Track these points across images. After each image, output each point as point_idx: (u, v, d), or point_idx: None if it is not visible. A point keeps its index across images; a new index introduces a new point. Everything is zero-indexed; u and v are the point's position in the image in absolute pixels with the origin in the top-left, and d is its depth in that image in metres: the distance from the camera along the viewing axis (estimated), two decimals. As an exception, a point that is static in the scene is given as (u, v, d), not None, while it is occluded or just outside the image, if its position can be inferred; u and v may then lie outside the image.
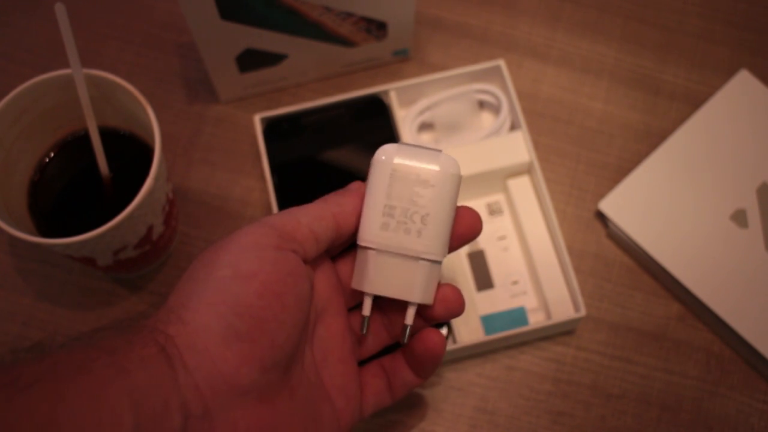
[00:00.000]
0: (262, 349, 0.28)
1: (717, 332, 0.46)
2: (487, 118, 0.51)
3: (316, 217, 0.31)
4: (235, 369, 0.27)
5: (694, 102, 0.52)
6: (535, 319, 0.46)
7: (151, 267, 0.46)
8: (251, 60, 0.48)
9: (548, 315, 0.45)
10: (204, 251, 0.30)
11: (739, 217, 0.47)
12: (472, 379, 0.45)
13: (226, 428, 0.28)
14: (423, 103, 0.49)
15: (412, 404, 0.44)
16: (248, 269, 0.28)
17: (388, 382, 0.35)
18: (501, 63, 0.49)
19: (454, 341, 0.43)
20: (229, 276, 0.28)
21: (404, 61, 0.53)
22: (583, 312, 0.43)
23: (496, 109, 0.50)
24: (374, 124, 0.48)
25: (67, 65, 0.39)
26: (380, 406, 0.35)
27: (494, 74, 0.50)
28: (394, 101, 0.48)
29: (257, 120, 0.47)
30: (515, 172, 0.48)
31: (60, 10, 0.38)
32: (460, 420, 0.44)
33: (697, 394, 0.45)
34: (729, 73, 0.52)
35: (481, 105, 0.51)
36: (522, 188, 0.48)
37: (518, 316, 0.46)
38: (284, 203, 0.46)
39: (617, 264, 0.48)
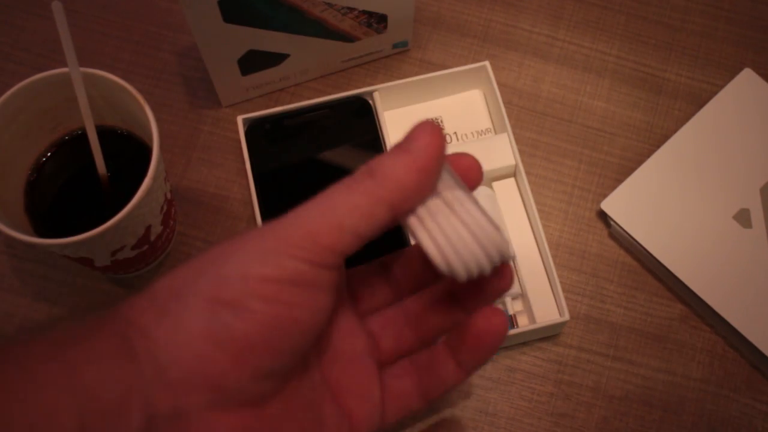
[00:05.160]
0: (259, 357, 0.25)
1: (720, 333, 0.46)
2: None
3: (365, 215, 0.25)
4: (222, 371, 0.24)
5: (697, 101, 0.52)
6: (521, 323, 0.45)
7: (148, 267, 0.46)
8: (253, 61, 0.48)
9: (532, 319, 0.45)
10: (214, 247, 0.26)
11: (743, 217, 0.47)
12: (473, 380, 0.45)
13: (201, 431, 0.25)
14: None
15: (412, 406, 0.44)
16: (262, 274, 0.24)
17: (419, 382, 0.30)
18: (486, 64, 0.49)
19: None
20: (236, 274, 0.25)
21: (404, 59, 0.53)
22: (567, 316, 0.43)
23: None
24: (358, 125, 0.48)
25: (64, 64, 0.38)
26: (408, 410, 0.30)
27: (480, 75, 0.50)
28: (378, 102, 0.48)
29: (239, 121, 0.47)
30: (500, 175, 0.48)
31: (57, 9, 0.37)
32: (460, 422, 0.44)
33: (700, 395, 0.44)
34: (732, 72, 0.52)
35: None
36: (507, 191, 0.48)
37: None
38: (266, 203, 0.46)
39: (619, 264, 0.47)
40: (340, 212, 0.25)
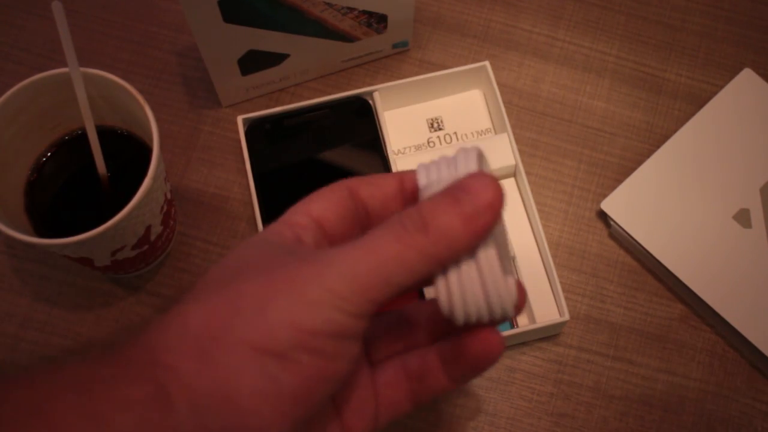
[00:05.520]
0: (301, 408, 0.24)
1: (720, 333, 0.46)
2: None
3: (413, 272, 0.24)
4: (265, 425, 0.24)
5: (696, 101, 0.52)
6: (521, 323, 0.45)
7: (149, 267, 0.46)
8: (253, 61, 0.48)
9: (532, 319, 0.45)
10: (251, 267, 0.25)
11: (743, 217, 0.47)
12: (473, 380, 0.45)
13: None
14: None
15: (412, 406, 0.44)
16: (311, 326, 0.24)
17: (411, 390, 0.30)
18: (486, 64, 0.49)
19: None
20: (285, 324, 0.24)
21: (404, 59, 0.53)
22: (566, 316, 0.43)
23: None
24: (358, 125, 0.48)
25: (64, 64, 0.38)
26: (398, 414, 0.31)
27: (480, 75, 0.50)
28: (378, 102, 0.48)
29: (239, 121, 0.47)
30: (500, 175, 0.48)
31: (57, 9, 0.37)
32: (460, 422, 0.44)
33: (699, 395, 0.44)
34: (732, 72, 0.52)
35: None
36: (507, 191, 0.48)
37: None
38: (266, 203, 0.46)
39: (619, 264, 0.47)
40: (390, 267, 0.24)
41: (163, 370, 0.23)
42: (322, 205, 0.28)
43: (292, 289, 0.24)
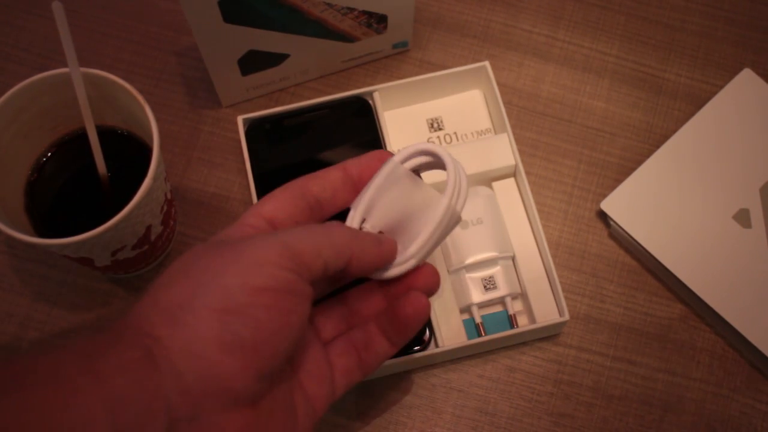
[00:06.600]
0: (263, 358, 0.28)
1: (720, 333, 0.46)
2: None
3: (336, 254, 0.31)
4: (231, 375, 0.27)
5: (696, 101, 0.52)
6: (521, 323, 0.45)
7: (148, 267, 0.46)
8: (253, 61, 0.48)
9: (532, 319, 0.45)
10: (205, 252, 0.30)
11: (742, 217, 0.47)
12: (473, 380, 0.45)
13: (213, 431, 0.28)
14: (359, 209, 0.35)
15: (412, 405, 0.44)
16: (259, 283, 0.28)
17: (358, 357, 0.35)
18: (486, 64, 0.49)
19: (437, 345, 0.43)
20: (238, 286, 0.28)
21: (404, 59, 0.53)
22: (566, 316, 0.43)
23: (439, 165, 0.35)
24: (358, 125, 0.48)
25: (64, 64, 0.38)
26: (352, 383, 0.35)
27: (480, 75, 0.50)
28: (378, 102, 0.48)
29: (239, 121, 0.47)
30: (500, 175, 0.48)
31: (57, 9, 0.37)
32: (460, 422, 0.44)
33: (699, 395, 0.44)
34: (732, 72, 0.52)
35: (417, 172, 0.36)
36: (507, 191, 0.48)
37: (502, 319, 0.45)
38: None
39: (619, 264, 0.47)
40: (320, 243, 0.30)
41: (148, 337, 0.27)
42: (272, 206, 0.33)
43: (242, 258, 0.28)
